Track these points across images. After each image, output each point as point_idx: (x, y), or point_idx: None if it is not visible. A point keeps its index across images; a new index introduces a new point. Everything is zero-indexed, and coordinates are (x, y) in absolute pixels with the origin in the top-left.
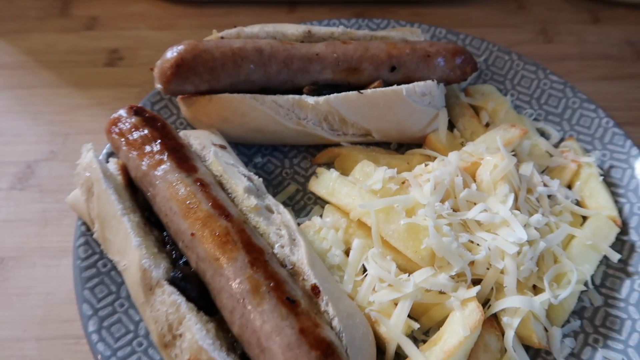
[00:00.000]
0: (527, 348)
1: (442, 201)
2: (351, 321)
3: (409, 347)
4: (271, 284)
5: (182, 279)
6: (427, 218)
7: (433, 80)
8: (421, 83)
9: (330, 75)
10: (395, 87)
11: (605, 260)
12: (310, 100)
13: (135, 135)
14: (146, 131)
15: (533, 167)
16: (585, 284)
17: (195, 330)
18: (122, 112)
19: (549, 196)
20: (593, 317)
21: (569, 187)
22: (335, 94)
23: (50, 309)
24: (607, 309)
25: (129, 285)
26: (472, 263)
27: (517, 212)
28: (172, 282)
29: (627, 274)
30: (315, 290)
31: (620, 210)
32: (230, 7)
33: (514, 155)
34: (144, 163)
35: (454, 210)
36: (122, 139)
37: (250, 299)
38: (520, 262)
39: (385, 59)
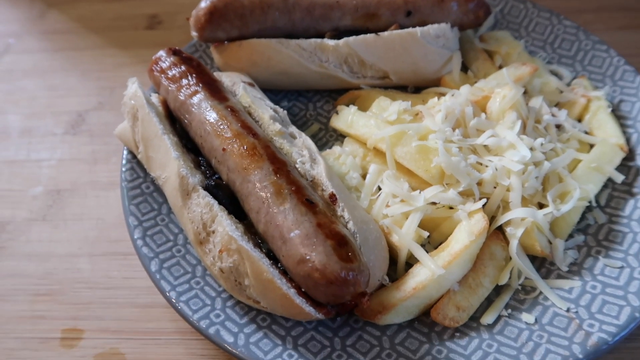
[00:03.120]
0: (532, 259)
1: (453, 129)
2: (365, 226)
3: (419, 252)
4: (292, 188)
5: (215, 187)
6: (437, 141)
7: (447, 23)
8: (435, 25)
9: (350, 22)
10: (410, 29)
11: (611, 184)
12: (331, 42)
13: (174, 71)
14: (183, 68)
15: (542, 100)
16: (590, 203)
17: (226, 224)
18: (162, 52)
19: (558, 127)
20: (597, 233)
21: (579, 121)
22: (354, 37)
23: (100, 232)
24: (611, 225)
25: (169, 193)
26: (480, 183)
27: (523, 136)
28: (206, 188)
29: (631, 194)
30: (332, 198)
31: (628, 140)
32: None
33: (524, 92)
34: (181, 94)
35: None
36: (162, 75)
37: (274, 199)
38: (525, 179)
39: (401, 4)
